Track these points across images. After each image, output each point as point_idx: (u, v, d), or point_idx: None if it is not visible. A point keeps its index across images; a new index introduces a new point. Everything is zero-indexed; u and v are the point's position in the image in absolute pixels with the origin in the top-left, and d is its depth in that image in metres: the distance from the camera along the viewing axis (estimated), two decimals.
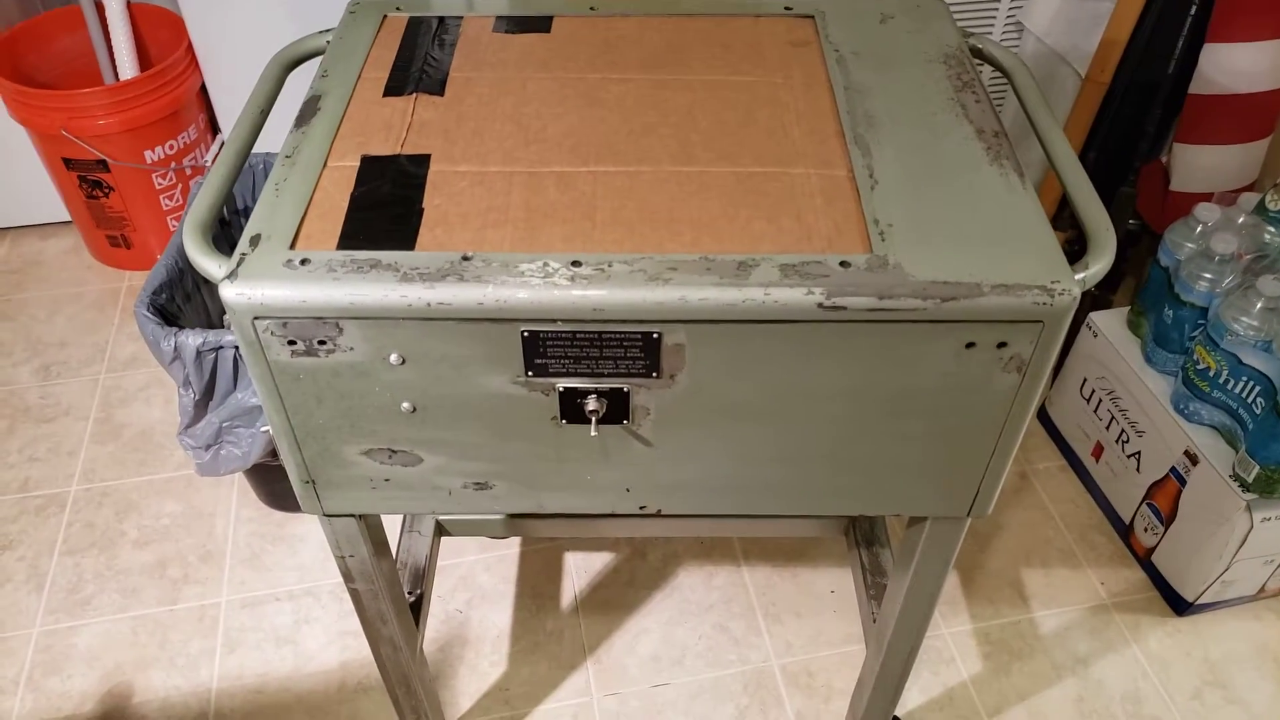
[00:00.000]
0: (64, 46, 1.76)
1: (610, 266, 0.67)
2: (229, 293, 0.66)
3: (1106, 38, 1.45)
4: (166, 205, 1.78)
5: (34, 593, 1.40)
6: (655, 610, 1.38)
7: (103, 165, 1.67)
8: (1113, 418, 1.44)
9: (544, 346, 0.69)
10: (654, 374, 0.71)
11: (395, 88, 0.82)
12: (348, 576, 0.91)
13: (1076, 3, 1.52)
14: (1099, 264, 0.70)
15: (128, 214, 1.76)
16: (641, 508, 0.82)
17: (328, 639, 1.34)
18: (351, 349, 0.69)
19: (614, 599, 1.39)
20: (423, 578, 1.10)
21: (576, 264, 0.67)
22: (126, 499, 1.52)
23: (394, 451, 0.76)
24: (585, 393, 0.72)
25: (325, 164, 0.75)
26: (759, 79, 0.84)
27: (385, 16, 0.91)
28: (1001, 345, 0.69)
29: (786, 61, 0.86)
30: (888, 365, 0.70)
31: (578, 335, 0.68)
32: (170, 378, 1.27)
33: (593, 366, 0.70)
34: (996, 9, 1.55)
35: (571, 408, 0.73)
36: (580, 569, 1.43)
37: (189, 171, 1.78)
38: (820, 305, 0.66)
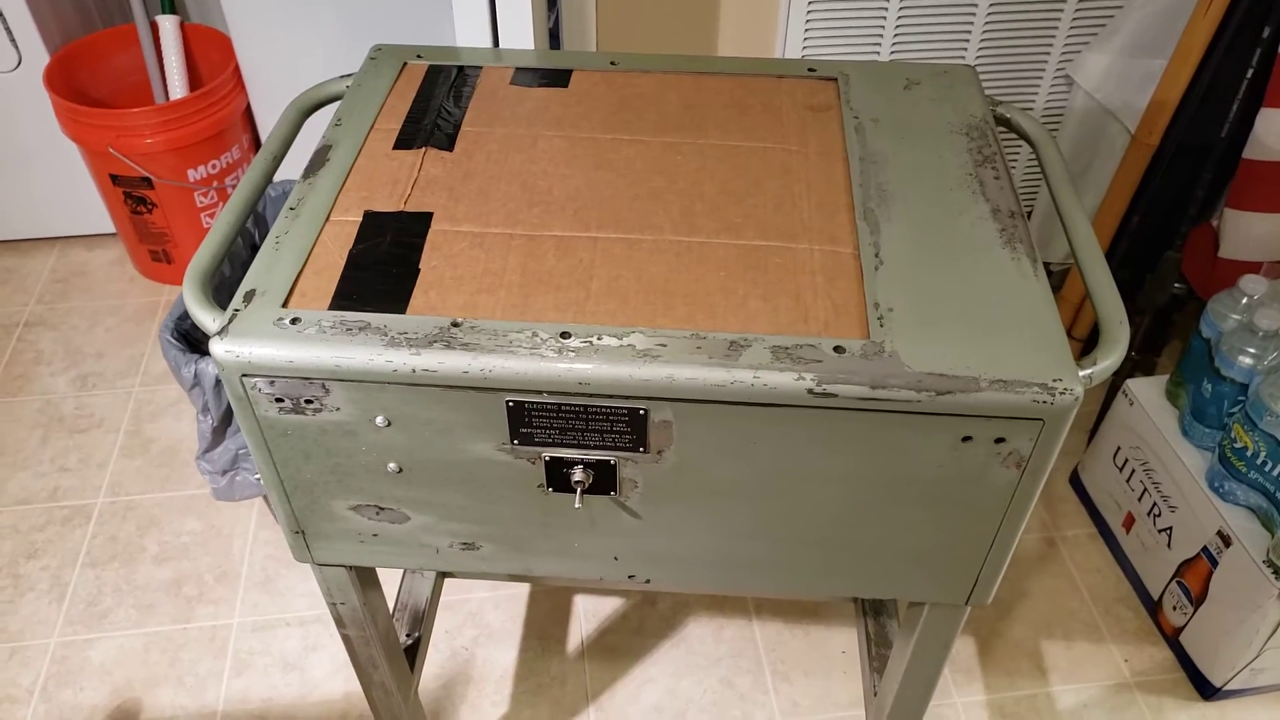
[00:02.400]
0: (118, 64, 1.80)
1: (599, 340, 0.66)
2: (218, 349, 0.66)
3: (1156, 98, 1.41)
4: (207, 223, 1.82)
5: (55, 603, 1.42)
6: (662, 660, 1.36)
7: (147, 182, 1.70)
8: (1145, 489, 1.40)
9: (529, 416, 0.68)
10: (641, 449, 0.69)
11: (406, 140, 0.82)
12: (339, 623, 0.90)
13: (1128, 59, 1.48)
14: (1109, 359, 0.68)
15: (170, 230, 1.80)
16: (630, 577, 0.80)
17: (334, 667, 1.34)
18: (338, 409, 0.69)
19: (621, 646, 1.37)
20: (421, 620, 1.10)
21: (566, 335, 0.66)
22: (149, 514, 1.54)
23: (381, 509, 0.76)
24: (572, 463, 0.70)
25: (328, 218, 0.75)
26: (773, 145, 0.83)
27: (405, 65, 0.92)
28: (999, 441, 0.66)
29: (803, 127, 0.85)
30: (881, 454, 0.68)
31: (563, 407, 0.67)
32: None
33: (579, 438, 0.69)
34: (1045, 61, 1.52)
35: (558, 477, 0.72)
36: (589, 613, 1.41)
37: (229, 190, 1.80)
38: (810, 391, 0.64)
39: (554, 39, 1.49)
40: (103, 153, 1.66)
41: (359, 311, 0.68)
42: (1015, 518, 0.72)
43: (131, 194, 1.73)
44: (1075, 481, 1.59)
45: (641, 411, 0.67)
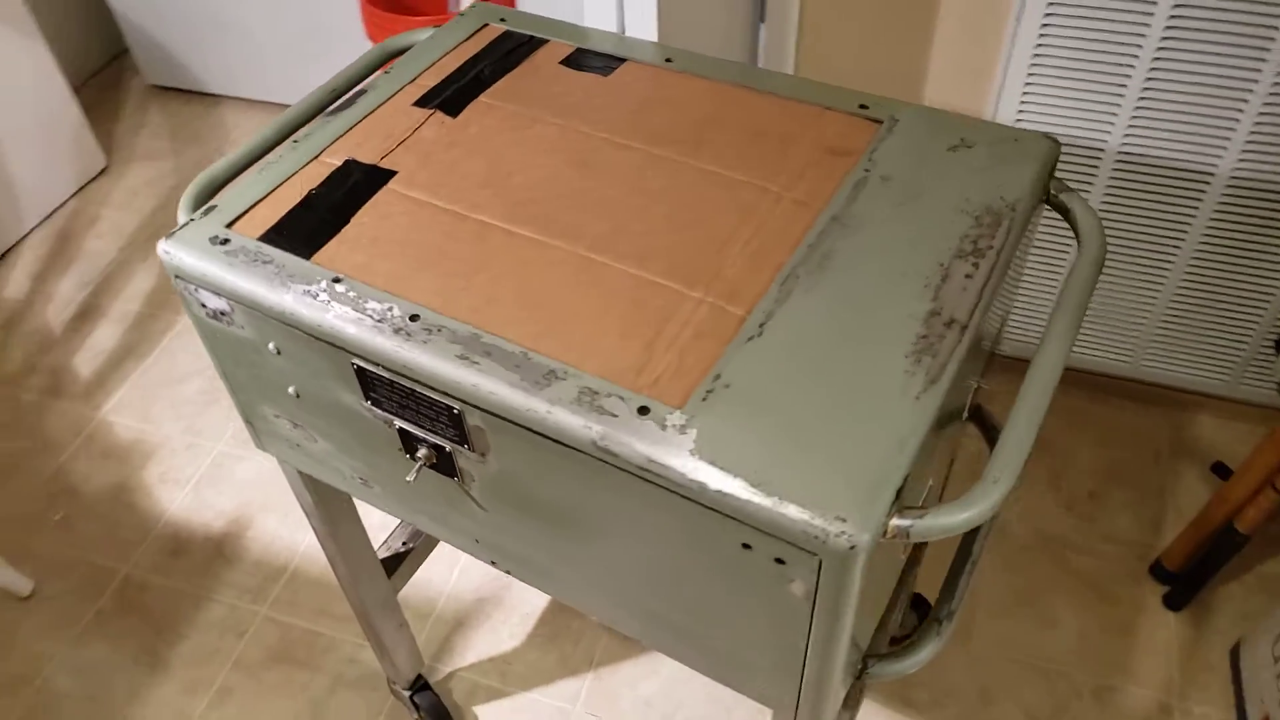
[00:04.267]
0: None
1: (439, 331, 0.67)
2: (160, 248, 0.76)
3: None
4: None
5: (232, 419, 1.69)
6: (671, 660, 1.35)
7: None
8: None
9: (373, 384, 0.71)
10: (465, 445, 0.70)
11: (426, 99, 0.87)
12: (305, 511, 1.01)
13: None
14: (961, 514, 0.58)
15: None
16: (492, 563, 0.82)
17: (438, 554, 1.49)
18: (243, 328, 0.76)
19: None
20: (421, 535, 1.18)
21: (414, 318, 0.68)
22: None
23: (295, 424, 0.84)
24: (417, 439, 0.73)
25: (317, 156, 0.82)
26: (754, 182, 0.77)
27: (485, 25, 0.95)
28: (779, 561, 0.60)
29: (805, 170, 0.78)
30: (672, 529, 0.64)
31: (396, 385, 0.70)
32: None
33: (415, 418, 0.71)
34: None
35: (410, 446, 0.75)
36: None
37: None
38: (594, 444, 0.62)
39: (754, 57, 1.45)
40: None
41: (275, 247, 0.74)
42: (825, 646, 0.64)
43: None
44: (1235, 654, 1.33)
45: (456, 411, 0.68)
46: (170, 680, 1.37)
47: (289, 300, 0.71)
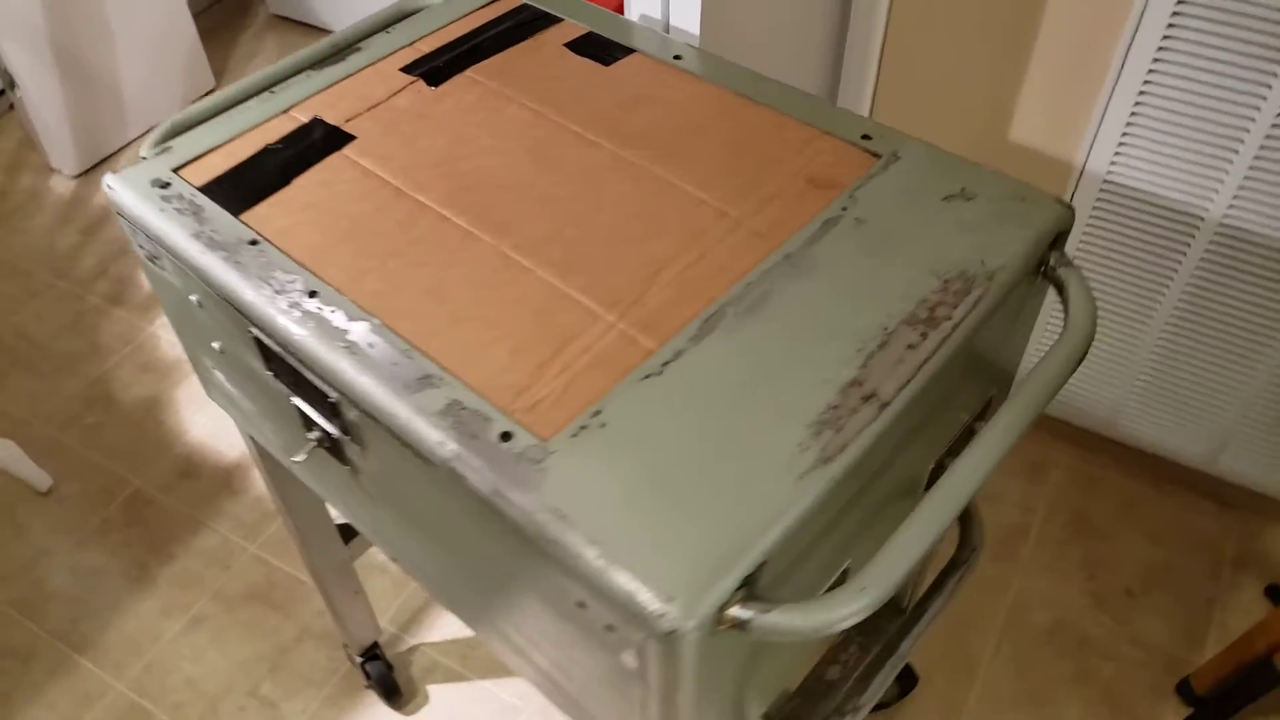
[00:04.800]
0: None
1: (332, 312, 0.64)
2: (104, 181, 0.75)
3: None
4: None
5: None
6: None
7: None
8: None
9: (270, 355, 0.68)
10: (347, 435, 0.67)
11: (412, 65, 0.83)
12: (254, 464, 0.99)
13: None
14: (809, 620, 0.51)
15: None
16: (393, 558, 0.78)
17: None
18: (172, 276, 0.74)
19: None
20: None
21: (313, 294, 0.65)
22: None
23: (228, 380, 0.82)
24: (310, 419, 0.70)
25: (287, 111, 0.79)
26: (716, 204, 0.70)
27: None
28: (610, 628, 0.54)
29: (775, 197, 0.70)
30: (523, 566, 0.58)
31: (285, 361, 0.66)
32: None
33: (307, 397, 0.68)
34: None
35: (307, 425, 0.71)
36: None
37: None
38: (446, 462, 0.57)
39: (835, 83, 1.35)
40: None
41: (210, 199, 0.72)
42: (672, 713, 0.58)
43: None
44: None
45: (333, 399, 0.64)
46: (152, 598, 1.40)
47: (201, 256, 0.68)
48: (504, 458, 0.56)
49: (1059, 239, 0.68)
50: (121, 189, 0.73)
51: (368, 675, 1.26)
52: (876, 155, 0.74)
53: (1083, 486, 1.48)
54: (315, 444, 0.70)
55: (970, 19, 1.20)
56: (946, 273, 0.64)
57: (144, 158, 0.75)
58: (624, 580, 0.51)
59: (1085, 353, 0.62)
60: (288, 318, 0.64)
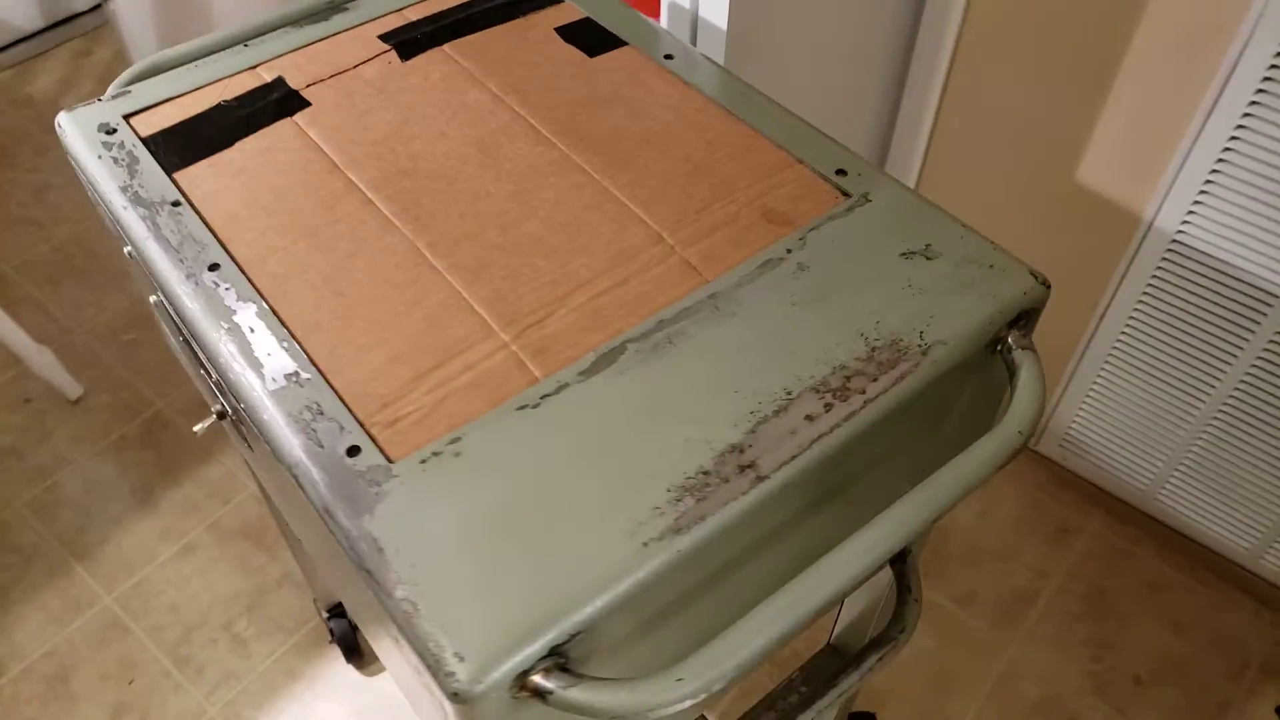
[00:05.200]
0: None
1: (224, 290, 0.61)
2: (57, 120, 0.74)
3: None
4: None
5: None
6: None
7: None
8: None
9: (173, 320, 0.66)
10: (234, 414, 0.64)
11: (390, 35, 0.79)
12: None
13: None
14: (612, 700, 0.46)
15: None
16: (296, 532, 0.77)
17: None
18: (109, 219, 0.73)
19: None
20: None
21: (214, 268, 0.63)
22: None
23: (170, 332, 0.81)
24: (213, 393, 0.68)
25: (254, 68, 0.77)
26: (654, 226, 0.65)
27: None
28: (418, 670, 0.50)
29: (720, 228, 0.65)
30: (355, 585, 0.55)
31: (180, 331, 0.64)
32: None
33: (205, 370, 0.66)
34: None
35: (213, 396, 0.70)
36: None
37: None
38: (290, 467, 0.54)
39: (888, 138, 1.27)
40: None
41: (150, 152, 0.70)
42: None
43: None
44: None
45: (214, 379, 0.62)
46: (153, 519, 1.43)
47: (123, 211, 0.66)
48: (345, 474, 0.52)
49: (1025, 316, 0.61)
50: (70, 129, 0.72)
51: (332, 632, 1.26)
52: (846, 194, 0.67)
53: (1107, 559, 1.37)
54: (215, 417, 0.69)
55: (1044, 53, 1.10)
56: (877, 340, 0.58)
57: (99, 99, 0.74)
58: (425, 629, 0.47)
59: (1015, 453, 0.55)
60: (184, 288, 0.62)
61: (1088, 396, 1.32)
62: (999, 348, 0.61)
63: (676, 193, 0.67)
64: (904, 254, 0.63)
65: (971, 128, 1.22)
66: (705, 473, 0.52)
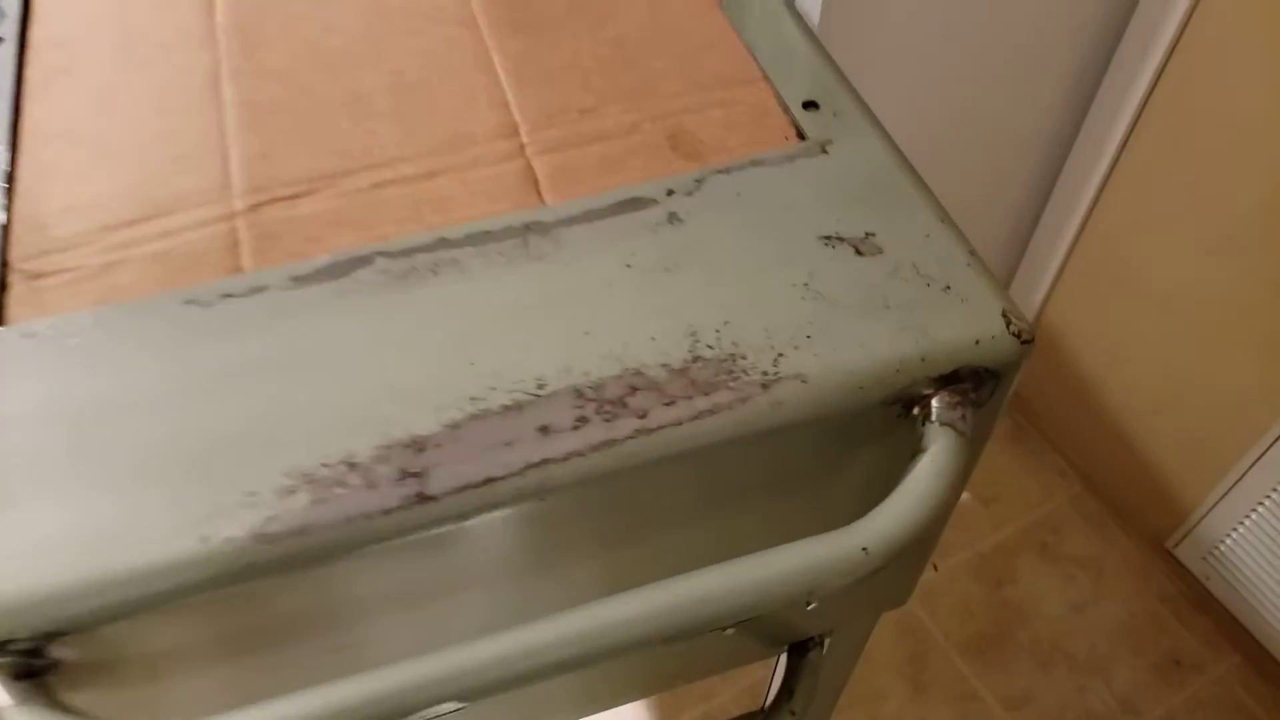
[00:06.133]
0: None
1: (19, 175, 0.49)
2: None
3: None
4: None
5: None
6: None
7: None
8: None
9: None
10: None
11: None
12: None
13: None
14: None
15: None
16: None
17: None
18: None
19: None
20: None
21: (9, 178, 0.51)
22: None
23: None
24: None
25: None
26: (519, 114, 0.47)
27: None
28: None
29: (604, 139, 0.46)
30: None
31: None
32: None
33: None
34: None
35: None
36: None
37: None
38: None
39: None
40: None
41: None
42: None
43: None
44: None
45: None
46: None
47: None
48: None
49: (974, 379, 0.39)
50: None
51: None
52: (801, 136, 0.46)
53: (1226, 716, 1.07)
54: None
55: (1200, 229, 0.80)
56: (708, 348, 0.38)
57: None
58: None
59: (852, 579, 0.35)
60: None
61: (1253, 512, 1.01)
62: (915, 410, 0.39)
63: (574, 79, 0.48)
64: (825, 238, 0.42)
65: (1108, 265, 0.92)
66: (352, 465, 0.35)
